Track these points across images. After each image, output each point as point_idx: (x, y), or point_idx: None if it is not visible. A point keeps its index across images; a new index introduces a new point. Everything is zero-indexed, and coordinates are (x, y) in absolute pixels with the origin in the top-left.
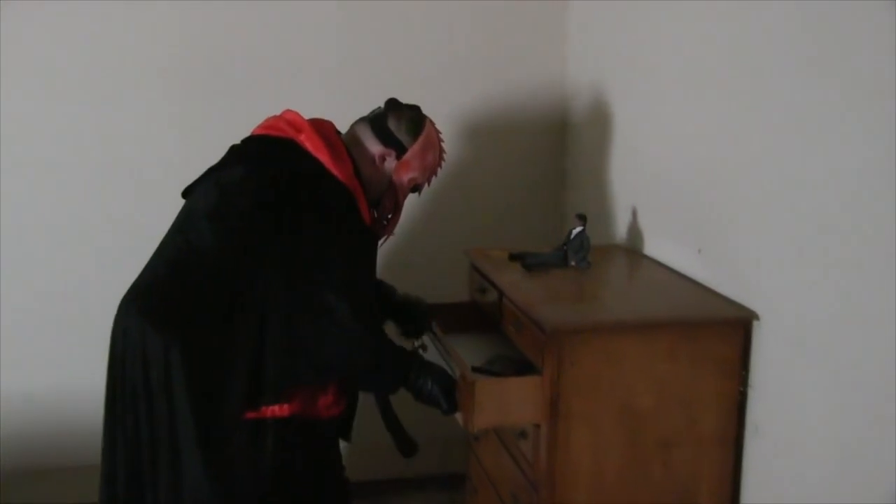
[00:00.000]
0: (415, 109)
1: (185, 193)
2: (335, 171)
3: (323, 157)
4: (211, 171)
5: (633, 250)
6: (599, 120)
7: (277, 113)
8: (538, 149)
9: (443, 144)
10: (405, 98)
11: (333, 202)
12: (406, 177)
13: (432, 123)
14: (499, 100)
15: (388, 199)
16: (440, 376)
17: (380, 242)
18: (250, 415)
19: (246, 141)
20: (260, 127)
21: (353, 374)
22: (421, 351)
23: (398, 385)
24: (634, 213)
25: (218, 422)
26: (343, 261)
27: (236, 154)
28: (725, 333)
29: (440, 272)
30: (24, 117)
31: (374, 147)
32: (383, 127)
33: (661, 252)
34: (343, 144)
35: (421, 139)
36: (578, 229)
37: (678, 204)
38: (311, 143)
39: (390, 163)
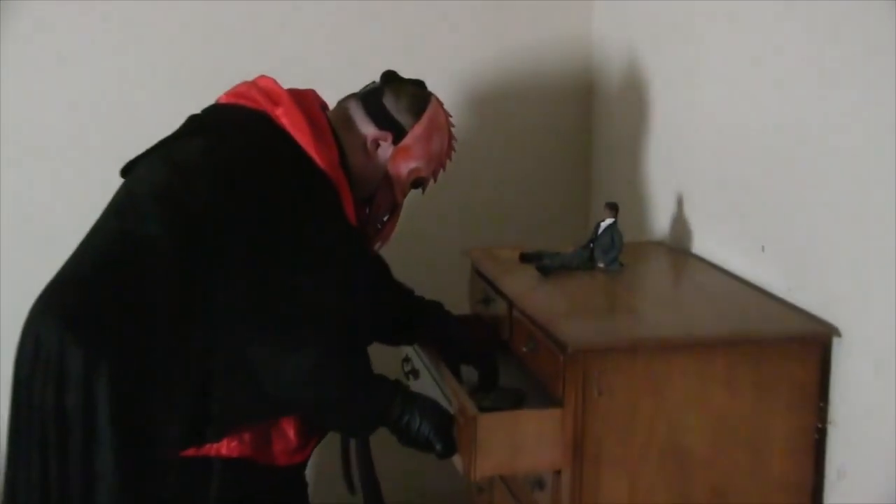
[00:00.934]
0: (418, 84)
1: (126, 171)
2: (316, 158)
3: (303, 138)
4: (161, 144)
5: (677, 248)
6: (634, 87)
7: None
8: (558, 123)
9: (452, 130)
10: (399, 65)
11: (310, 196)
12: (405, 167)
13: (439, 103)
14: (510, 62)
15: (384, 196)
16: (432, 411)
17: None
18: (190, 452)
19: (209, 110)
20: (228, 94)
21: (315, 410)
22: (411, 378)
23: (375, 423)
24: (680, 202)
25: (149, 461)
26: (315, 268)
27: (195, 124)
28: (798, 354)
29: (434, 278)
30: (25, 113)
31: (366, 129)
32: (378, 104)
33: (714, 251)
34: (328, 124)
35: (424, 120)
36: (608, 222)
37: (736, 190)
38: (289, 121)
39: (385, 149)
